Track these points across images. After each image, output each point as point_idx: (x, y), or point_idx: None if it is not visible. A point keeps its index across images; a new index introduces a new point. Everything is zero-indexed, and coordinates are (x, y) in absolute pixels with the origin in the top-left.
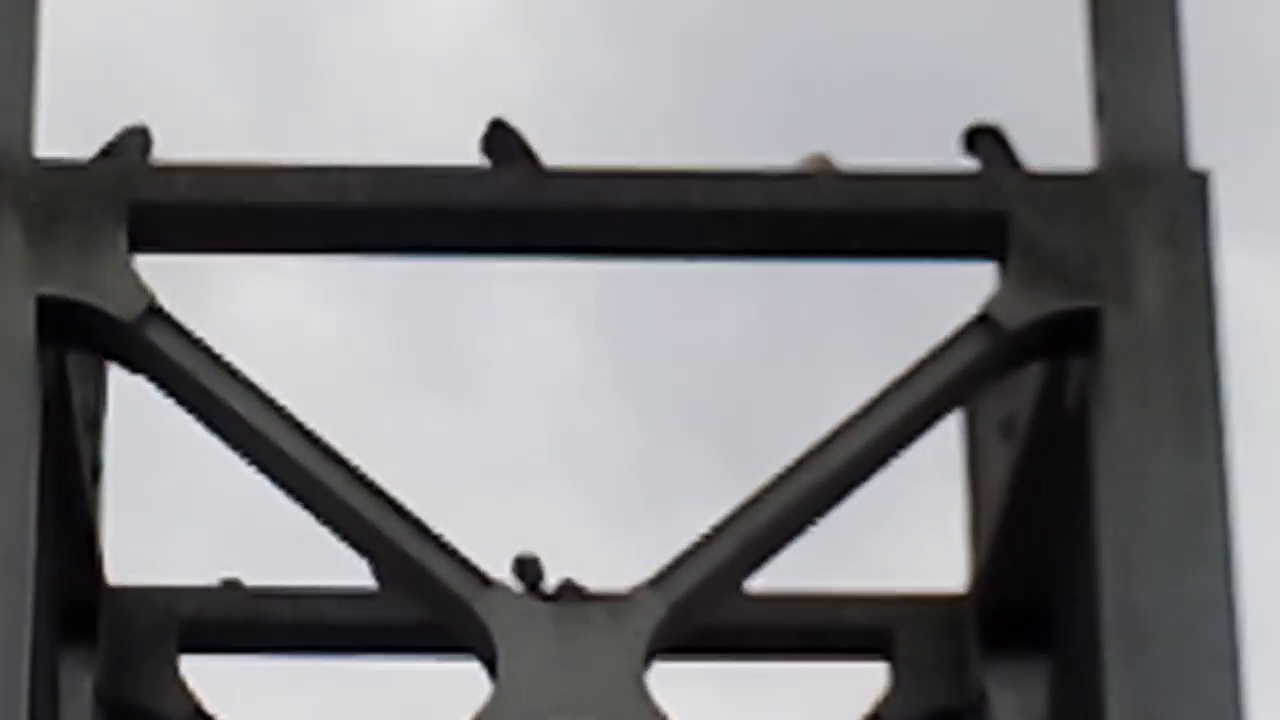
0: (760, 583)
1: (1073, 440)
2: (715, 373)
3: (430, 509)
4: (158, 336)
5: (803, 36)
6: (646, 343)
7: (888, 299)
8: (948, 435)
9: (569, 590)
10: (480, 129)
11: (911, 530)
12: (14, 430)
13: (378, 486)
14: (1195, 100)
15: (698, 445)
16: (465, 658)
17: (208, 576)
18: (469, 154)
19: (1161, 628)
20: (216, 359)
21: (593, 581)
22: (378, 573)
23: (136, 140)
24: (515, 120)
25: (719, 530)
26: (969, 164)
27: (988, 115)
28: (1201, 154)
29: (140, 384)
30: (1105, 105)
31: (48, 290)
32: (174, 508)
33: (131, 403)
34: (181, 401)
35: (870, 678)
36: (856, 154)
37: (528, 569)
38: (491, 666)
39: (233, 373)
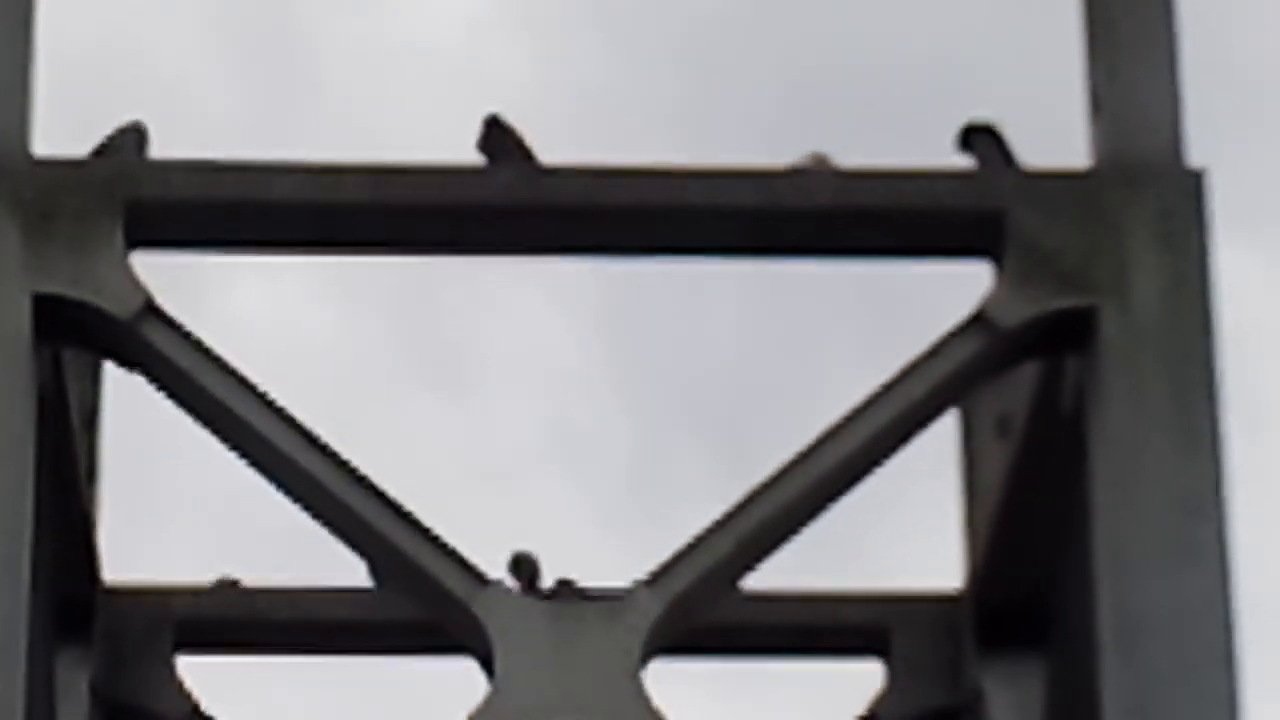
0: (756, 581)
1: (1069, 439)
2: (711, 371)
3: (427, 507)
4: (154, 334)
5: (798, 34)
6: (643, 341)
7: (883, 297)
8: (943, 434)
9: (566, 589)
10: (477, 126)
11: (907, 529)
12: (10, 428)
13: (374, 485)
14: (1191, 98)
15: (694, 443)
16: (462, 656)
17: (204, 575)
18: (466, 152)
19: (1157, 626)
20: (213, 357)
21: (589, 580)
22: (374, 571)
23: (133, 137)
24: (511, 118)
25: (715, 529)
26: (965, 162)
27: (983, 113)
28: (1197, 152)
29: (137, 382)
30: (1101, 103)
31: (43, 288)
32: (170, 506)
33: (128, 400)
34: (178, 399)
35: (866, 677)
36: (851, 152)
37: (524, 567)
38: (488, 665)
39: (229, 371)
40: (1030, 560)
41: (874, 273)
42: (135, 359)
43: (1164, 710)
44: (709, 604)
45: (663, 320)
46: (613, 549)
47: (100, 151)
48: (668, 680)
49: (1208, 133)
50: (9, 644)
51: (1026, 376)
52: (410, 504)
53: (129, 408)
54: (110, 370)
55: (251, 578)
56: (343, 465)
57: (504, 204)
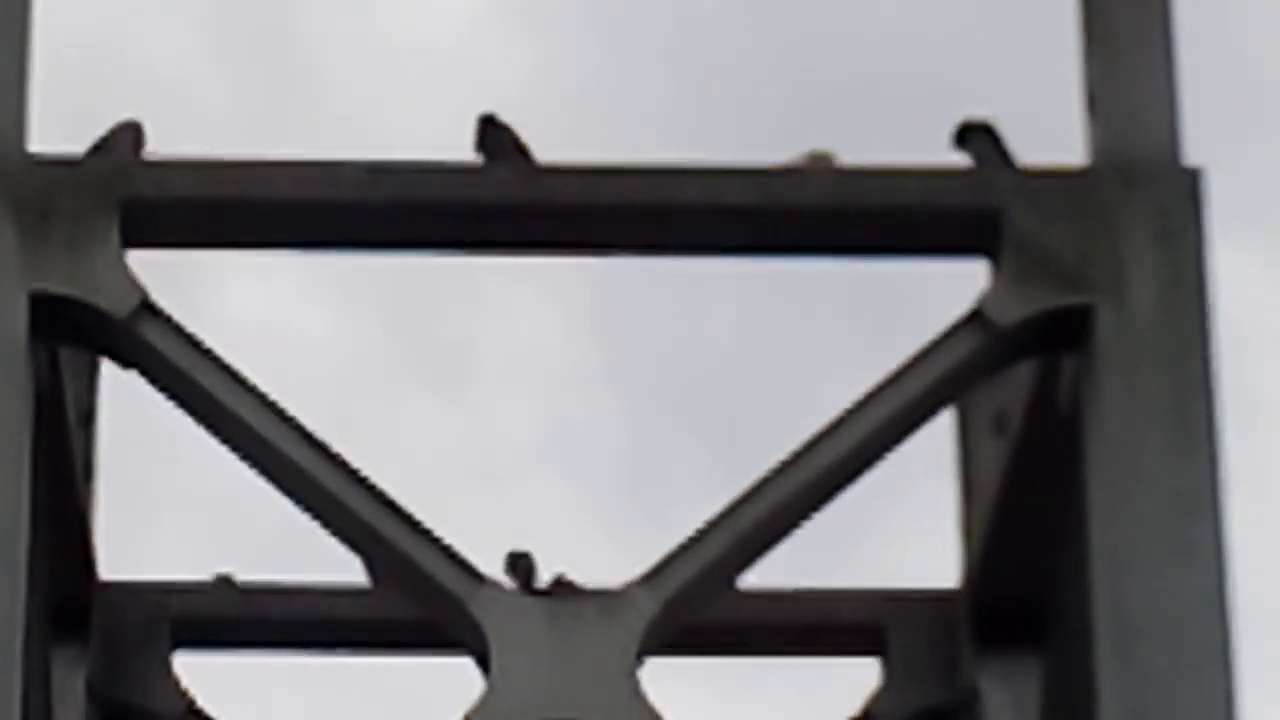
0: (753, 580)
1: (1065, 437)
2: (707, 369)
3: (423, 505)
4: (150, 332)
5: (794, 32)
6: (640, 339)
7: (880, 296)
8: (940, 432)
9: (562, 587)
10: (473, 125)
11: (904, 527)
12: (6, 426)
13: (371, 483)
14: (1188, 97)
15: (690, 442)
16: (458, 654)
17: (200, 572)
18: (462, 150)
19: (1153, 624)
20: (209, 355)
21: (585, 578)
22: (370, 569)
23: (129, 136)
24: (508, 116)
25: (711, 527)
26: (962, 161)
27: (980, 111)
28: (1194, 151)
29: (133, 380)
30: (1097, 102)
31: (40, 286)
32: (167, 504)
33: (124, 399)
34: (174, 397)
35: (863, 675)
36: (848, 150)
37: (520, 565)
38: (484, 663)
39: (226, 369)
40: (1027, 559)
41: (871, 271)
42: (132, 357)
43: (1161, 709)
44: (705, 602)
45: (659, 319)
46: (609, 547)
47: (96, 150)
48: (664, 679)
49: (1205, 131)
50: (5, 642)
51: (1023, 375)
52: (407, 502)
53: (125, 406)
54: (107, 368)
55: (248, 576)
56: (339, 463)
57: (501, 203)
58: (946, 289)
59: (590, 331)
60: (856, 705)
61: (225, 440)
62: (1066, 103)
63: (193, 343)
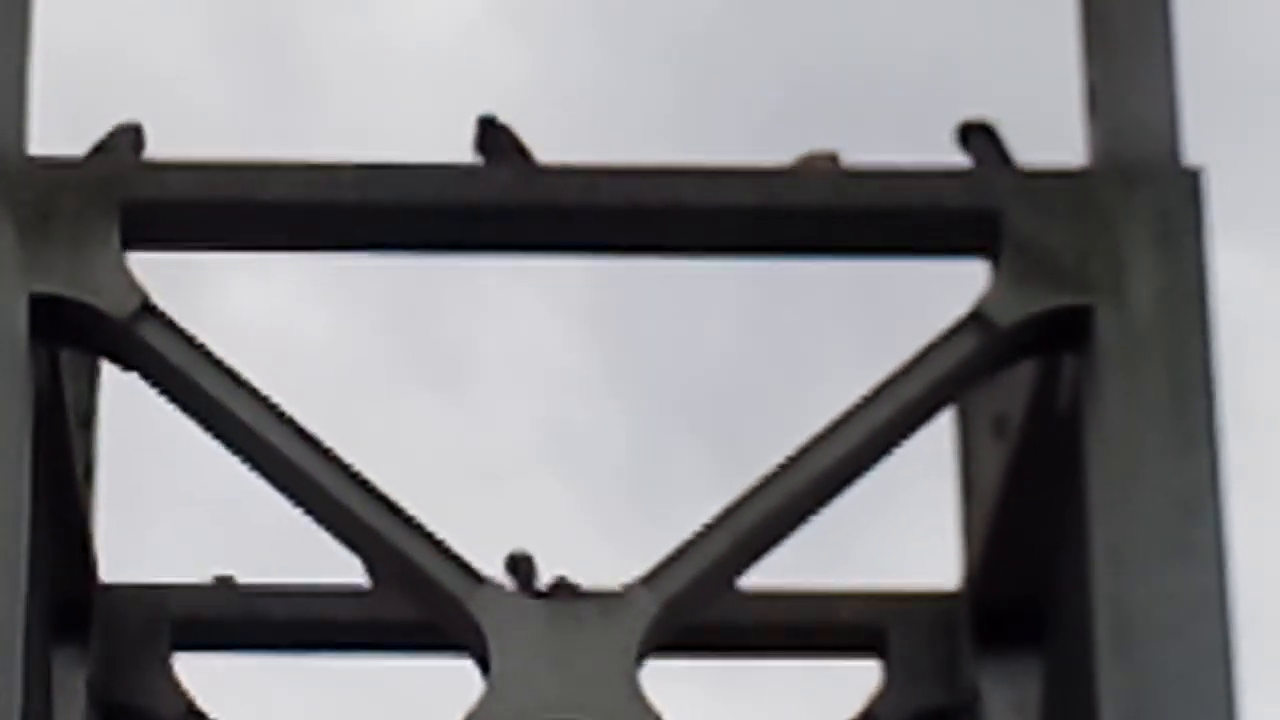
0: (753, 580)
1: (1065, 437)
2: (707, 370)
3: (423, 506)
4: (151, 334)
5: (794, 32)
6: (640, 340)
7: (880, 296)
8: (940, 433)
9: (562, 588)
10: (473, 126)
11: (904, 528)
12: (6, 428)
13: (371, 484)
14: (1188, 97)
15: (690, 442)
16: (458, 655)
17: (201, 574)
18: (461, 151)
19: (1154, 625)
20: (210, 357)
21: (586, 579)
22: (371, 570)
23: (129, 137)
24: (507, 117)
25: (711, 528)
26: (961, 161)
27: (980, 112)
28: (1194, 151)
29: (133, 381)
30: (1097, 102)
31: (40, 288)
32: (167, 505)
33: (125, 400)
34: (175, 399)
35: (863, 675)
36: (848, 150)
37: (520, 566)
38: (484, 664)
39: (226, 370)
40: (1027, 559)
41: (870, 271)
42: (132, 359)
43: (1161, 709)
44: (705, 603)
45: (659, 319)
46: (609, 548)
47: (96, 151)
48: (664, 679)
49: (1204, 132)
50: (6, 644)
51: (1023, 375)
52: (407, 503)
53: (126, 407)
54: (107, 370)
55: (248, 577)
56: (339, 464)
57: (500, 203)
58: (946, 289)
59: (590, 332)
60: (857, 706)
61: (225, 441)
62: (1066, 103)
63: (193, 344)
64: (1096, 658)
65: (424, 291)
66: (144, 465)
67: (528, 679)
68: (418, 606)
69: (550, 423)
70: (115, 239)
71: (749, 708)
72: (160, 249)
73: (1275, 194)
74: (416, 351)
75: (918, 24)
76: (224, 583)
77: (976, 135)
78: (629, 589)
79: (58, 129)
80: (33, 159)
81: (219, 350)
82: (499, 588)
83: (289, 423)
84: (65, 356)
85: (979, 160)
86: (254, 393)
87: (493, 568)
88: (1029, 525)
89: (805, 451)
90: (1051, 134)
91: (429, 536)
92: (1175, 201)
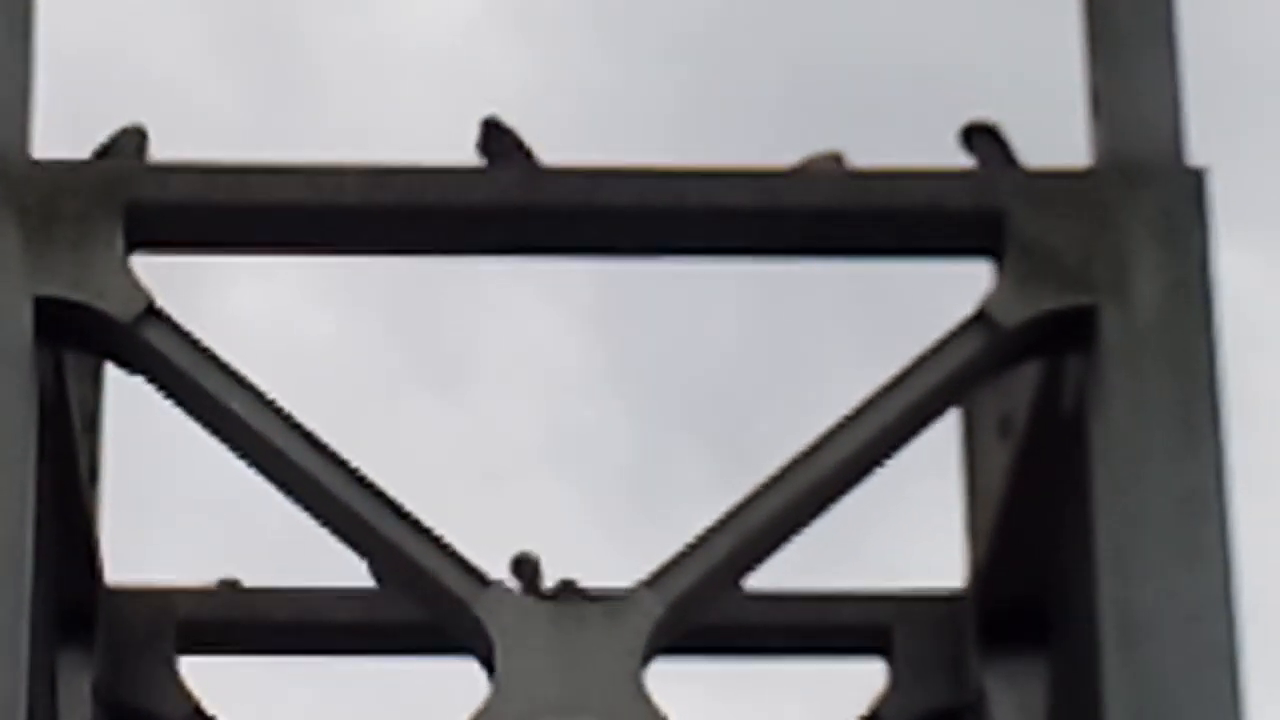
0: (758, 581)
1: (1070, 438)
2: (711, 371)
3: (428, 508)
4: (155, 336)
5: (797, 33)
6: (643, 341)
7: (884, 297)
8: (945, 433)
9: (567, 590)
10: (475, 127)
11: (909, 529)
12: (11, 430)
13: (375, 486)
14: (1191, 97)
15: (694, 444)
16: (463, 657)
17: (206, 576)
18: (465, 152)
19: (1159, 625)
20: (214, 359)
21: (591, 581)
22: (376, 572)
23: (133, 140)
24: (510, 119)
25: (716, 529)
26: (966, 162)
27: (984, 113)
28: (1198, 151)
29: (138, 384)
30: (1101, 103)
31: (45, 290)
32: (172, 507)
33: (129, 402)
34: (179, 401)
35: (868, 676)
36: (852, 152)
37: (525, 568)
38: (490, 666)
39: (230, 372)
40: (1032, 560)
41: (874, 272)
42: (136, 361)
43: (1166, 710)
44: (710, 604)
45: (662, 321)
46: (613, 549)
47: (100, 154)
48: (669, 680)
49: (1207, 131)
50: (11, 645)
51: (1027, 376)
52: (411, 504)
53: (130, 409)
54: (111, 372)
55: (253, 579)
56: (343, 466)
57: (503, 205)
58: (950, 290)
59: (593, 333)
60: (862, 706)
61: (230, 444)
62: (1070, 104)
63: (197, 346)
64: (1101, 657)
65: (427, 293)
66: (149, 468)
67: (533, 680)
68: (423, 608)
69: (553, 424)
70: (119, 241)
71: (754, 709)
72: (164, 251)
73: (1277, 194)
74: (420, 353)
75: (922, 25)
76: (229, 585)
77: (980, 136)
78: (634, 590)
79: (62, 132)
80: (37, 162)
81: (223, 352)
82: (504, 589)
83: (293, 425)
84: (70, 359)
85: (983, 161)
86: (258, 395)
87: (498, 569)
88: (1034, 525)
89: (810, 453)
90: (1055, 135)
91: (434, 538)
92: (1179, 201)
